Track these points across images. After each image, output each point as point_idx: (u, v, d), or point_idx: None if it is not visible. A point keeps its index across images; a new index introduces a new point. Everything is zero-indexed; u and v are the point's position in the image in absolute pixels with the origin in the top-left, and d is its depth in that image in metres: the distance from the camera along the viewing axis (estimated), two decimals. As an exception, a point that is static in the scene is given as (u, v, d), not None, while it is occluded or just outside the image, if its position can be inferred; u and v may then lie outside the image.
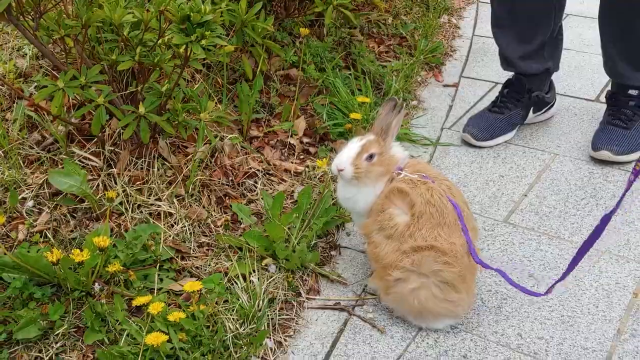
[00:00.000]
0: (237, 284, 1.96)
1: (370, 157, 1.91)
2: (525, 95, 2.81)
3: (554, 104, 2.95)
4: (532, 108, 2.86)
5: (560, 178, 2.55)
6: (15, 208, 2.12)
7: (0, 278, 1.88)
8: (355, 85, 2.99)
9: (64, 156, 2.26)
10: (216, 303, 1.88)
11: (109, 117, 2.33)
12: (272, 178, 2.48)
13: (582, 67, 3.37)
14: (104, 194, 2.16)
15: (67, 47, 2.19)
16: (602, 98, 2.93)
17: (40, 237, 2.05)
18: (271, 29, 2.54)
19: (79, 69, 2.06)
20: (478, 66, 3.44)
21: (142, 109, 2.15)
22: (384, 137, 1.94)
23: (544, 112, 2.92)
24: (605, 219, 1.72)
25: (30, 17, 2.03)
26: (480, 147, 2.77)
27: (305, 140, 2.71)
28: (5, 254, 1.86)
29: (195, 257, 2.10)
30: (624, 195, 1.67)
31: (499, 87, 2.93)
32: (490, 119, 2.81)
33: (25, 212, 2.12)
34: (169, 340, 1.73)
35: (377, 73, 3.12)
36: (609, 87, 2.85)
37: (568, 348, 1.84)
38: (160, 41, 2.14)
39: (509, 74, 2.89)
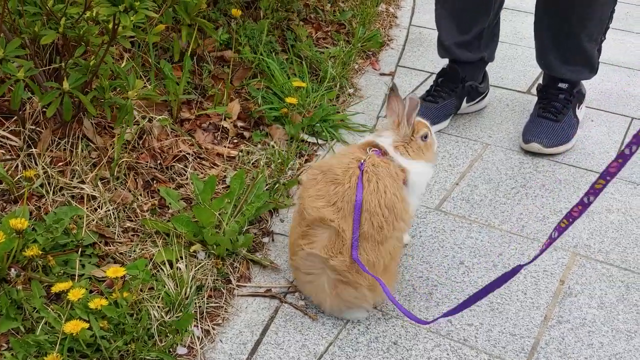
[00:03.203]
0: (163, 270, 1.89)
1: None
2: (459, 84, 2.83)
3: (487, 94, 2.99)
4: (465, 98, 2.89)
5: (491, 167, 2.58)
6: None
7: None
8: (291, 70, 2.94)
9: (-22, 134, 2.12)
10: (141, 290, 1.80)
11: (31, 94, 2.20)
12: (203, 162, 2.40)
13: (515, 59, 3.43)
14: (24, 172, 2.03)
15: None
16: (534, 90, 2.98)
17: (-49, 219, 1.92)
18: (204, 7, 2.45)
19: (-5, 41, 1.93)
20: (414, 56, 3.45)
21: (66, 86, 2.04)
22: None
23: (477, 102, 2.95)
24: (517, 269, 1.59)
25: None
26: (415, 136, 2.76)
27: (240, 124, 2.64)
28: None
29: (120, 242, 2.01)
30: (543, 251, 1.57)
31: (435, 77, 2.94)
32: (424, 108, 2.81)
33: None
34: (90, 328, 1.65)
35: (314, 58, 3.08)
36: (540, 80, 2.90)
37: (497, 334, 1.86)
38: (87, 15, 2.03)
39: (444, 64, 2.91)
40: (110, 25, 1.99)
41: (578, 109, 2.80)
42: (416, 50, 3.51)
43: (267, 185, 2.31)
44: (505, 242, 2.20)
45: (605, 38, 2.66)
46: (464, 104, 2.90)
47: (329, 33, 3.44)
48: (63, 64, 2.13)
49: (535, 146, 2.64)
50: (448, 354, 1.79)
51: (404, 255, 2.11)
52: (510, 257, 2.13)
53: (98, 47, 2.07)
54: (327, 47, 3.28)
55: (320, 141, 2.66)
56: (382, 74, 3.27)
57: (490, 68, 3.00)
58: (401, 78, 3.24)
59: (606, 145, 2.74)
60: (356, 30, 3.43)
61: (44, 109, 2.17)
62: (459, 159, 2.63)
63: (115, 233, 2.03)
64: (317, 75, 3.05)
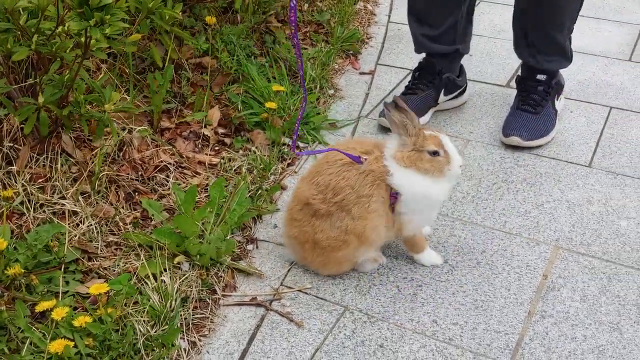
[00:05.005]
0: (147, 284, 1.89)
1: None
2: (436, 77, 2.84)
3: (465, 88, 2.99)
4: (443, 90, 2.89)
5: (472, 164, 2.59)
6: None
7: None
8: (270, 73, 2.94)
9: (-44, 154, 2.10)
10: (125, 305, 1.80)
11: (8, 111, 2.19)
12: (185, 171, 2.40)
13: (493, 53, 3.44)
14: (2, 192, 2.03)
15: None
16: (513, 84, 2.99)
17: None
18: (179, 16, 2.44)
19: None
20: (393, 53, 3.45)
21: (41, 101, 2.03)
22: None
23: (456, 97, 2.95)
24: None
25: None
26: (396, 134, 2.77)
27: (221, 130, 2.64)
28: None
29: (103, 257, 2.01)
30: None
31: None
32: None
33: None
34: (76, 346, 1.65)
35: (293, 61, 3.08)
36: (519, 73, 2.91)
37: (482, 332, 1.87)
38: (60, 29, 2.02)
39: (421, 58, 2.92)
40: (83, 39, 1.99)
41: (557, 100, 2.82)
42: (395, 47, 3.51)
43: (249, 191, 2.32)
44: (488, 239, 2.21)
45: (573, 29, 2.69)
46: (442, 96, 2.90)
47: (308, 34, 3.44)
48: (38, 79, 2.12)
49: (515, 139, 2.65)
50: (434, 354, 1.80)
51: (388, 257, 2.12)
52: (493, 253, 2.15)
53: (72, 61, 2.07)
54: (305, 48, 3.28)
55: (301, 144, 2.66)
56: (362, 73, 3.27)
57: (469, 62, 3.01)
58: (381, 76, 3.24)
59: (586, 136, 2.76)
60: (335, 30, 3.43)
61: (22, 125, 2.16)
62: (441, 156, 2.64)
63: (98, 248, 2.03)
64: (296, 77, 3.04)
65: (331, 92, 3.07)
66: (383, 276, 2.06)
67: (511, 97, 2.92)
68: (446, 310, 1.94)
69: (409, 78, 3.15)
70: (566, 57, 2.73)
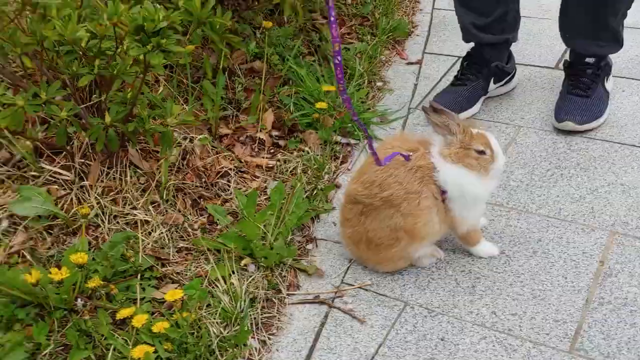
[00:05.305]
0: (217, 287, 2.00)
1: None
2: (485, 66, 2.86)
3: (514, 74, 3.00)
4: (492, 79, 2.90)
5: (525, 151, 2.61)
6: (-11, 230, 2.13)
7: (-18, 303, 1.89)
8: (319, 72, 3.01)
9: (33, 173, 2.26)
10: (199, 308, 1.92)
11: (79, 128, 2.33)
12: (244, 175, 2.50)
13: (540, 34, 3.41)
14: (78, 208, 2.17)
15: (25, 65, 2.18)
16: (562, 65, 2.97)
17: (18, 257, 2.07)
18: (229, 23, 2.53)
19: (38, 82, 2.05)
20: (440, 41, 3.47)
21: (108, 119, 2.16)
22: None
23: (505, 83, 2.97)
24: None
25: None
26: (446, 125, 2.81)
27: (275, 133, 2.74)
28: (-15, 279, 1.88)
29: (176, 262, 2.13)
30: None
31: (460, 61, 2.97)
32: (454, 94, 2.85)
33: (1, 233, 2.13)
34: (156, 351, 1.78)
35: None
36: (567, 55, 2.90)
37: (540, 322, 1.92)
38: (120, 49, 2.14)
39: (470, 47, 2.93)
40: (142, 58, 2.10)
41: (606, 81, 2.80)
42: (441, 34, 3.53)
43: (305, 192, 2.41)
44: (543, 227, 2.24)
45: (627, 13, 2.66)
46: (492, 85, 2.92)
47: (353, 27, 3.49)
48: (103, 97, 2.25)
49: (569, 124, 2.65)
50: (494, 346, 1.86)
51: (446, 250, 2.18)
52: (549, 242, 2.18)
53: (133, 79, 2.18)
54: (352, 43, 3.33)
55: (352, 141, 2.73)
56: (409, 63, 3.31)
57: (516, 46, 3.01)
58: (428, 65, 3.27)
59: (639, 115, 2.74)
60: (379, 22, 3.47)
61: (92, 142, 2.30)
62: (492, 145, 2.67)
63: (170, 254, 2.15)
64: (344, 73, 3.10)
65: (379, 84, 3.12)
66: (441, 270, 2.12)
67: (561, 79, 2.91)
68: (504, 301, 1.99)
69: (456, 66, 3.18)
70: (618, 42, 2.71)
